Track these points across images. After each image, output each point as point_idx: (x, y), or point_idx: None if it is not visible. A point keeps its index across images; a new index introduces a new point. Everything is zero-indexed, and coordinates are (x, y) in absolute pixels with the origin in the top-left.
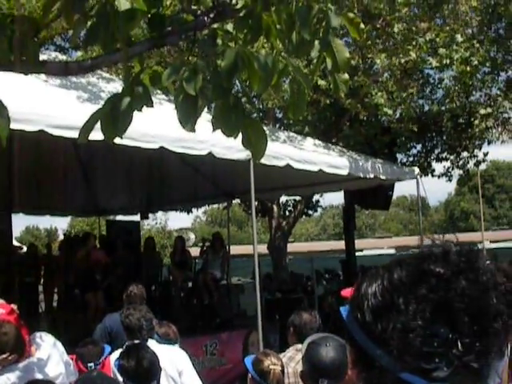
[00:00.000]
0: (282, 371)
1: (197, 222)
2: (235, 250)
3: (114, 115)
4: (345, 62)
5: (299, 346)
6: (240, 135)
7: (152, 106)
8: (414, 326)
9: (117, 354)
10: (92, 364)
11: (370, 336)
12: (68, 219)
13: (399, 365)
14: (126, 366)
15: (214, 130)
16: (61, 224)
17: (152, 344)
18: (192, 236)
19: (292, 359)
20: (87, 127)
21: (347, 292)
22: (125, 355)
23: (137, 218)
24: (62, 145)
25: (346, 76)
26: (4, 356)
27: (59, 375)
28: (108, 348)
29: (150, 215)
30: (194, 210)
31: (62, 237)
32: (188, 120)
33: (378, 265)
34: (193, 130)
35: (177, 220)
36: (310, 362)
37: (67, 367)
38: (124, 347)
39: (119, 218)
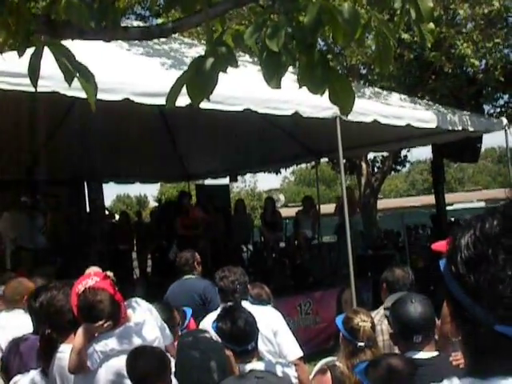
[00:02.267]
0: (373, 328)
1: (285, 182)
2: (325, 208)
3: (200, 78)
4: (429, 11)
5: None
6: (326, 92)
7: (237, 66)
8: (504, 277)
9: (210, 317)
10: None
11: (464, 288)
12: (157, 186)
13: (493, 317)
14: (223, 328)
15: (300, 87)
16: (150, 191)
17: (246, 305)
18: (282, 197)
19: (385, 316)
20: (174, 92)
21: (438, 246)
22: (222, 317)
23: (226, 181)
24: (148, 112)
25: (432, 26)
26: (100, 323)
27: (155, 339)
28: (189, 311)
29: (239, 178)
30: (282, 170)
31: (152, 203)
32: (273, 77)
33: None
34: (278, 86)
35: (265, 181)
36: (400, 322)
37: (162, 331)
38: (221, 309)
39: (208, 181)
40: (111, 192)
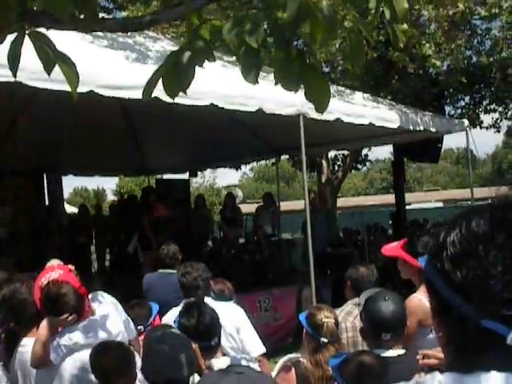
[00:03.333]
0: (336, 324)
1: (244, 178)
2: (284, 206)
3: (177, 71)
4: (404, 11)
5: (357, 300)
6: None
7: (214, 60)
8: (495, 273)
9: (172, 312)
10: (141, 327)
11: (449, 284)
12: (115, 179)
13: (480, 312)
14: (186, 324)
15: (276, 83)
16: (108, 184)
17: (208, 302)
18: (240, 193)
19: (350, 314)
20: (150, 84)
21: (389, 250)
22: (184, 313)
23: (185, 176)
24: (110, 105)
25: (405, 26)
26: (64, 316)
27: (119, 333)
28: (156, 307)
29: (199, 173)
30: (242, 166)
31: (110, 197)
32: (250, 73)
33: (428, 218)
34: (255, 82)
35: (224, 177)
36: (371, 318)
37: (126, 325)
38: (183, 305)
39: (168, 176)
40: (68, 185)
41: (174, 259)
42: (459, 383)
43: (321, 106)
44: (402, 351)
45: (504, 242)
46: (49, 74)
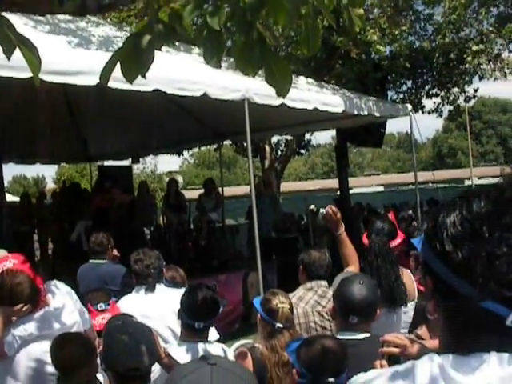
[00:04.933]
0: (291, 310)
1: (185, 164)
2: (226, 191)
3: (136, 54)
4: None
5: (308, 284)
6: (235, 74)
7: (174, 44)
8: (500, 253)
9: (126, 299)
10: (102, 304)
11: (449, 265)
12: (55, 167)
13: (481, 294)
14: (188, 303)
15: (236, 67)
16: (48, 172)
17: (160, 288)
18: (180, 179)
19: (302, 299)
20: (108, 68)
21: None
22: (188, 292)
23: (127, 162)
24: (51, 91)
25: (361, 11)
26: (19, 306)
27: (74, 323)
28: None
29: (140, 159)
30: (184, 152)
31: (50, 185)
32: (213, 56)
33: (370, 202)
34: (218, 66)
35: (165, 163)
36: (341, 299)
37: (82, 315)
38: (187, 287)
39: (109, 163)
40: (7, 173)
41: (101, 247)
42: (458, 365)
43: (282, 91)
44: (367, 335)
45: (509, 223)
46: (8, 58)
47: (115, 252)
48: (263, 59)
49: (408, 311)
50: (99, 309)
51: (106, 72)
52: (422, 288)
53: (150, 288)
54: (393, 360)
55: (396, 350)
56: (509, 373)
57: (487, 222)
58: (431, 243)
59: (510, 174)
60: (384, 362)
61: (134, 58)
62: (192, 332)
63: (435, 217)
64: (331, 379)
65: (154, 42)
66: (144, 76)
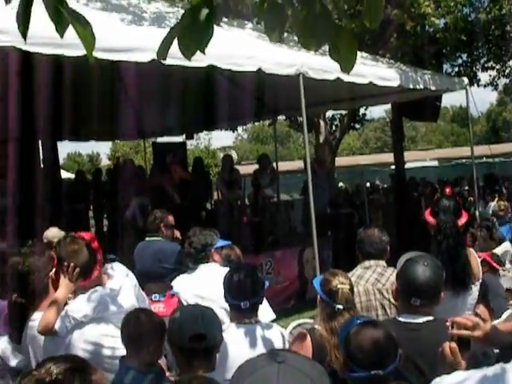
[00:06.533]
0: (351, 290)
1: (238, 140)
2: (279, 166)
3: (194, 29)
4: None
5: (366, 263)
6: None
7: (227, 17)
8: None
9: (180, 279)
10: (157, 295)
11: None
12: (110, 144)
13: None
14: (232, 282)
15: (298, 42)
16: (103, 149)
17: (215, 268)
18: (234, 155)
19: (361, 277)
20: (165, 44)
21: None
22: (233, 272)
23: (181, 138)
24: (105, 69)
25: None
26: (72, 266)
27: (131, 307)
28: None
29: (194, 135)
30: (238, 128)
31: (104, 161)
32: (274, 30)
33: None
34: (280, 40)
35: (219, 139)
36: (404, 280)
37: (140, 300)
38: (231, 267)
39: (163, 139)
40: (62, 151)
41: (154, 225)
42: None
43: (347, 66)
44: (429, 318)
45: None
46: (61, 36)
47: (177, 233)
48: (327, 33)
49: (473, 293)
50: (153, 299)
51: (164, 48)
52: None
53: (190, 268)
54: (462, 343)
55: (466, 332)
56: None
57: None
58: None
59: None
60: (454, 345)
61: (193, 34)
62: (239, 312)
63: None
64: (379, 371)
65: (212, 15)
66: (203, 52)
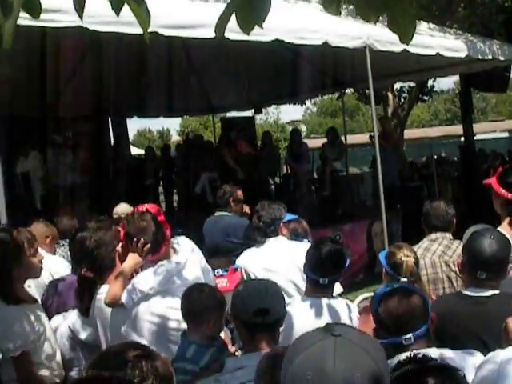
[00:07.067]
0: (416, 263)
1: (307, 113)
2: (349, 139)
3: (251, 3)
4: None
5: (433, 235)
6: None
7: None
8: None
9: (246, 253)
10: (220, 270)
11: None
12: (179, 120)
13: None
14: (313, 256)
15: (356, 14)
16: (173, 125)
17: (282, 241)
18: (304, 128)
19: (428, 250)
20: (223, 19)
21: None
22: (315, 246)
23: (249, 113)
24: (171, 45)
25: None
26: (141, 243)
27: (196, 280)
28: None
29: (262, 109)
30: (307, 101)
31: (175, 137)
32: (332, 2)
33: (495, 148)
34: (338, 12)
35: (287, 113)
36: (470, 252)
37: (206, 274)
38: (313, 241)
39: (232, 114)
40: (132, 127)
41: (223, 200)
42: None
43: (406, 37)
44: (495, 292)
45: None
46: (117, 14)
47: (246, 208)
48: (385, 4)
49: None
50: (216, 274)
51: (221, 24)
52: None
53: (259, 241)
54: None
55: None
56: None
57: None
58: None
59: None
60: None
61: (250, 8)
62: (317, 287)
63: None
64: (408, 335)
65: None
66: (261, 26)
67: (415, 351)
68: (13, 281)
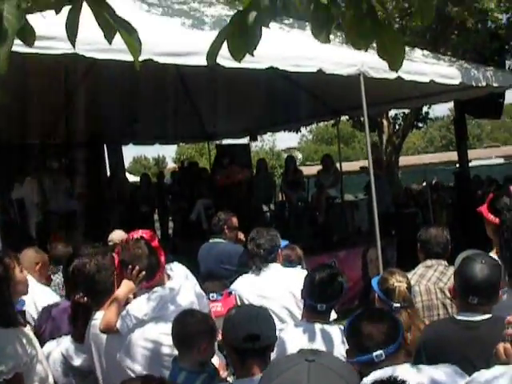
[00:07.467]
0: (409, 289)
1: (303, 140)
2: (344, 166)
3: (243, 32)
4: None
5: (428, 262)
6: (350, 49)
7: (275, 20)
8: None
9: (241, 279)
10: (214, 294)
11: None
12: (174, 147)
13: None
14: (313, 282)
15: (347, 42)
16: (168, 152)
17: (276, 268)
18: (299, 155)
19: (423, 276)
20: (214, 47)
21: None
22: (315, 272)
23: (245, 140)
24: (166, 73)
25: None
26: (136, 270)
27: (191, 305)
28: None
29: (258, 137)
30: (302, 129)
31: (170, 164)
32: (322, 31)
33: (491, 174)
34: (327, 41)
35: (283, 140)
36: (461, 278)
37: (200, 299)
38: (310, 268)
39: (228, 141)
40: (128, 154)
41: (217, 227)
42: None
43: (395, 64)
44: (487, 316)
45: None
46: (110, 42)
47: (240, 235)
48: (374, 32)
49: None
50: (211, 298)
51: (213, 51)
52: None
53: (259, 268)
54: None
55: None
56: None
57: None
58: None
59: None
60: (508, 345)
61: (241, 36)
62: (314, 313)
63: None
64: (379, 352)
65: (260, 18)
66: (252, 54)
67: (387, 368)
68: (5, 303)
